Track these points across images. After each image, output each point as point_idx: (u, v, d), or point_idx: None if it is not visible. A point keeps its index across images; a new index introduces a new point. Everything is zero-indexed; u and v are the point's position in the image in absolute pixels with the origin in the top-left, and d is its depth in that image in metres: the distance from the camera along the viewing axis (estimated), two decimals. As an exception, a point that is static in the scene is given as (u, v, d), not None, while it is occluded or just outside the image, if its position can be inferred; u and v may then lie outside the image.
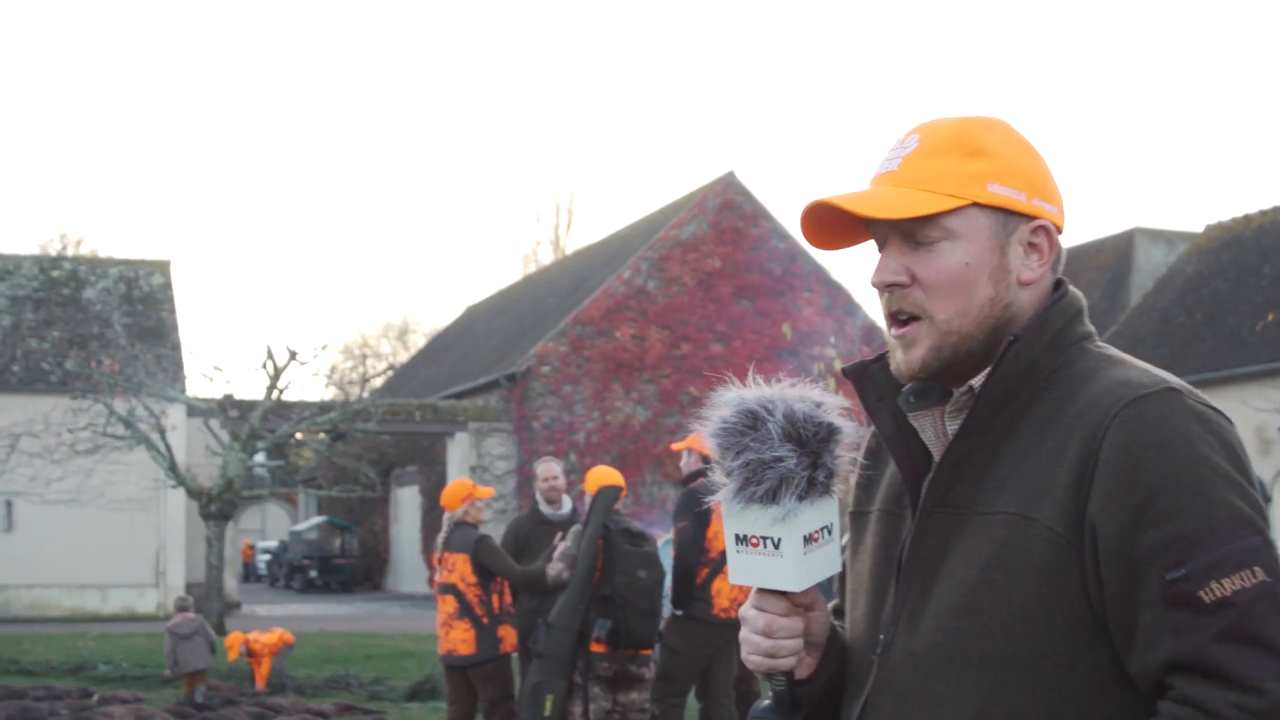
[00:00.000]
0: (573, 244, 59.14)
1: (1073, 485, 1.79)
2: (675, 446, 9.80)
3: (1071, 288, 1.99)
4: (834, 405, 1.93)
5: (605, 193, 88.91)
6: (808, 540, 1.89)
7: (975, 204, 1.92)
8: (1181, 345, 24.44)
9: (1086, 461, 1.78)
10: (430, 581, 9.60)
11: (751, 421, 1.90)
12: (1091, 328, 1.99)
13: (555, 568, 8.35)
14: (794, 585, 1.91)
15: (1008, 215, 1.93)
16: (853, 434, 1.93)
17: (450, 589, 9.25)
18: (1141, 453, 1.75)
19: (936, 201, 1.92)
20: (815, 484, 1.88)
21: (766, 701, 2.01)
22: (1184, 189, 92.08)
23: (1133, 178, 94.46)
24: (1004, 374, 1.88)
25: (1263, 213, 27.00)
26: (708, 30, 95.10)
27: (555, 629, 8.13)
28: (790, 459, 1.87)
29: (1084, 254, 38.19)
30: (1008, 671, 1.80)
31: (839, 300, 33.37)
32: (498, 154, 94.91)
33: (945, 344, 1.93)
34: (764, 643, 1.96)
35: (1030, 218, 1.93)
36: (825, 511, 1.91)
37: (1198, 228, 29.89)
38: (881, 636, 1.96)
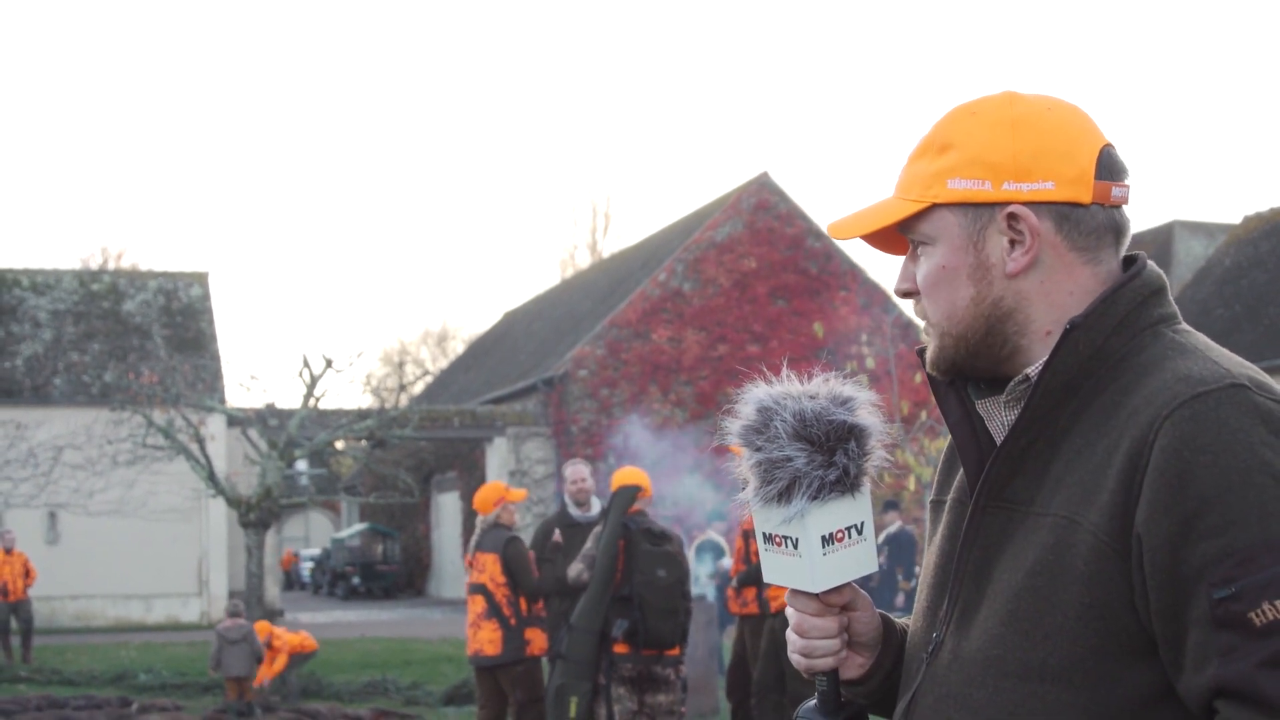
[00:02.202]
0: (609, 247, 59.19)
1: (1121, 490, 1.67)
2: (736, 448, 9.75)
3: (1149, 266, 1.85)
4: (863, 402, 1.89)
5: (641, 196, 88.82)
6: (828, 540, 1.86)
7: (936, 204, 1.85)
8: (1220, 337, 24.14)
9: (1136, 465, 1.66)
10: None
11: (765, 420, 1.87)
12: (1172, 309, 1.84)
13: (575, 569, 8.34)
14: (812, 586, 1.88)
15: (977, 209, 1.83)
16: (878, 432, 1.88)
17: (480, 589, 9.29)
18: (1194, 458, 1.61)
19: (897, 209, 1.88)
20: (828, 484, 1.84)
21: (812, 701, 1.99)
22: (1223, 181, 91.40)
23: (1172, 170, 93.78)
24: (1060, 365, 1.77)
25: (1301, 202, 26.79)
26: (740, 32, 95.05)
27: (577, 630, 8.11)
28: (799, 459, 1.84)
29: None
30: (1046, 684, 1.71)
31: (876, 298, 33.23)
32: (534, 160, 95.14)
33: (945, 345, 1.89)
34: (798, 641, 1.95)
35: (1005, 205, 1.81)
36: (849, 511, 1.87)
37: (1236, 219, 29.67)
38: (934, 635, 1.90)
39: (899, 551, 17.47)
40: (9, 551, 20.97)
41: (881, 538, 18.38)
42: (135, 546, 31.00)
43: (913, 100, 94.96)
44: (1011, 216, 1.82)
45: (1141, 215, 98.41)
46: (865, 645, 2.01)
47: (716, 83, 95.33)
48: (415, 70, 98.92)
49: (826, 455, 1.84)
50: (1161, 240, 37.03)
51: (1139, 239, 37.95)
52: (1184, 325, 1.83)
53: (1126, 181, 1.86)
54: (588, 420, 31.88)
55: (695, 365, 32.39)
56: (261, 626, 15.04)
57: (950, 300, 1.87)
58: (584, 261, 59.45)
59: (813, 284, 33.21)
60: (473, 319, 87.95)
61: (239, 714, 13.08)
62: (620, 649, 8.13)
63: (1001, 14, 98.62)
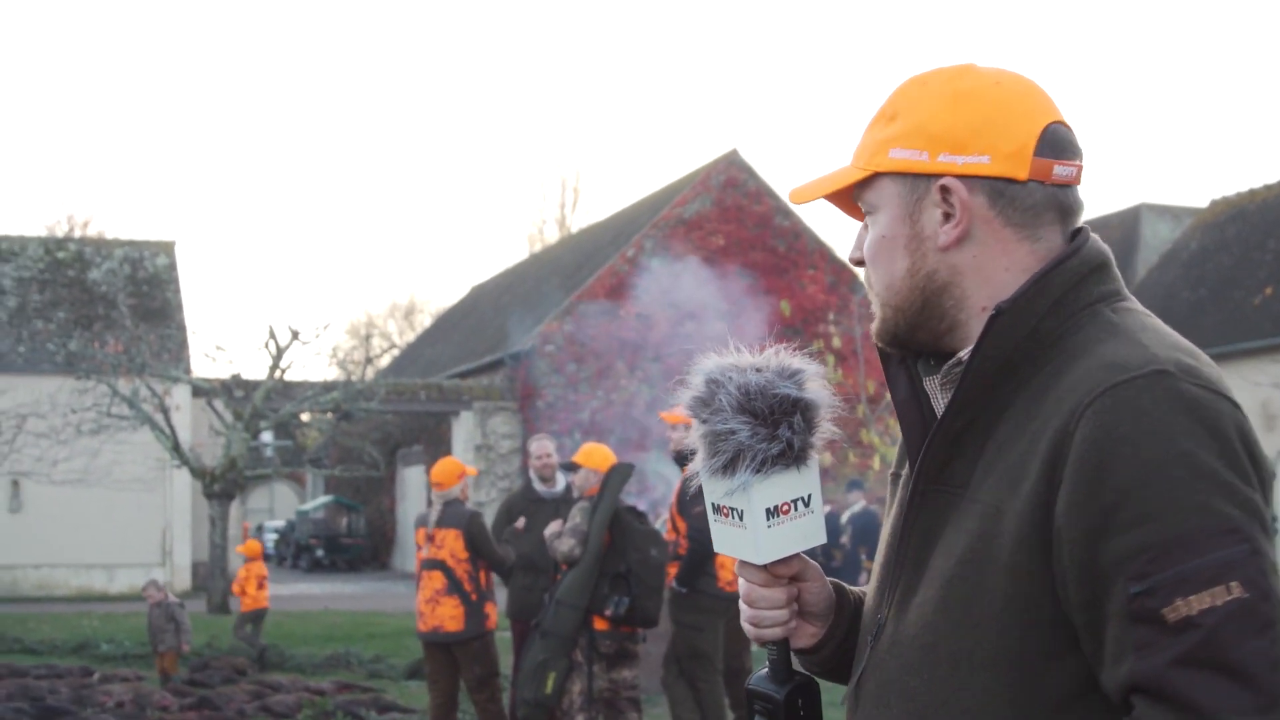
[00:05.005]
0: (578, 223, 59.07)
1: (1043, 480, 1.64)
2: (667, 416, 9.62)
3: (1092, 241, 1.82)
4: (811, 375, 1.87)
5: (611, 171, 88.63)
6: (773, 513, 1.85)
7: (879, 173, 1.85)
8: (1185, 321, 24.34)
9: (1058, 455, 1.63)
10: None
11: (712, 392, 1.86)
12: (1113, 286, 1.81)
13: (567, 544, 8.22)
14: (757, 558, 1.89)
15: (915, 180, 1.82)
16: (823, 405, 1.86)
17: (438, 565, 9.26)
18: (1113, 449, 1.58)
19: (844, 176, 1.89)
20: (771, 458, 1.83)
21: (764, 670, 2.00)
22: (1190, 165, 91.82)
23: (1139, 154, 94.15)
24: (988, 350, 1.74)
25: (1267, 187, 26.84)
26: (711, 8, 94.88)
27: (564, 606, 8.04)
28: (742, 432, 1.82)
29: (1090, 229, 38.31)
30: (976, 673, 1.69)
31: (844, 277, 33.29)
32: (504, 134, 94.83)
33: (886, 317, 1.88)
34: (747, 611, 1.96)
35: (939, 176, 1.80)
36: (795, 484, 1.86)
37: (1203, 203, 29.81)
38: (879, 616, 1.89)
39: (863, 531, 17.50)
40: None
41: (845, 517, 18.42)
42: (99, 516, 30.87)
43: (883, 78, 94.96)
44: (944, 189, 1.80)
45: (1109, 198, 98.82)
46: (816, 615, 2.01)
47: (687, 59, 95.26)
48: (386, 44, 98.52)
49: (770, 429, 1.84)
50: (1128, 223, 37.22)
51: (1106, 222, 38.15)
52: (1126, 303, 1.81)
53: (1077, 161, 1.83)
54: (554, 396, 31.85)
55: (662, 342, 32.39)
56: (250, 547, 15.53)
57: (889, 270, 1.86)
58: (552, 236, 59.34)
59: (780, 262, 33.24)
60: (440, 293, 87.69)
61: (191, 684, 13.09)
62: (601, 625, 8.10)
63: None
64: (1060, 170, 1.81)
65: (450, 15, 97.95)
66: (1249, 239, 25.77)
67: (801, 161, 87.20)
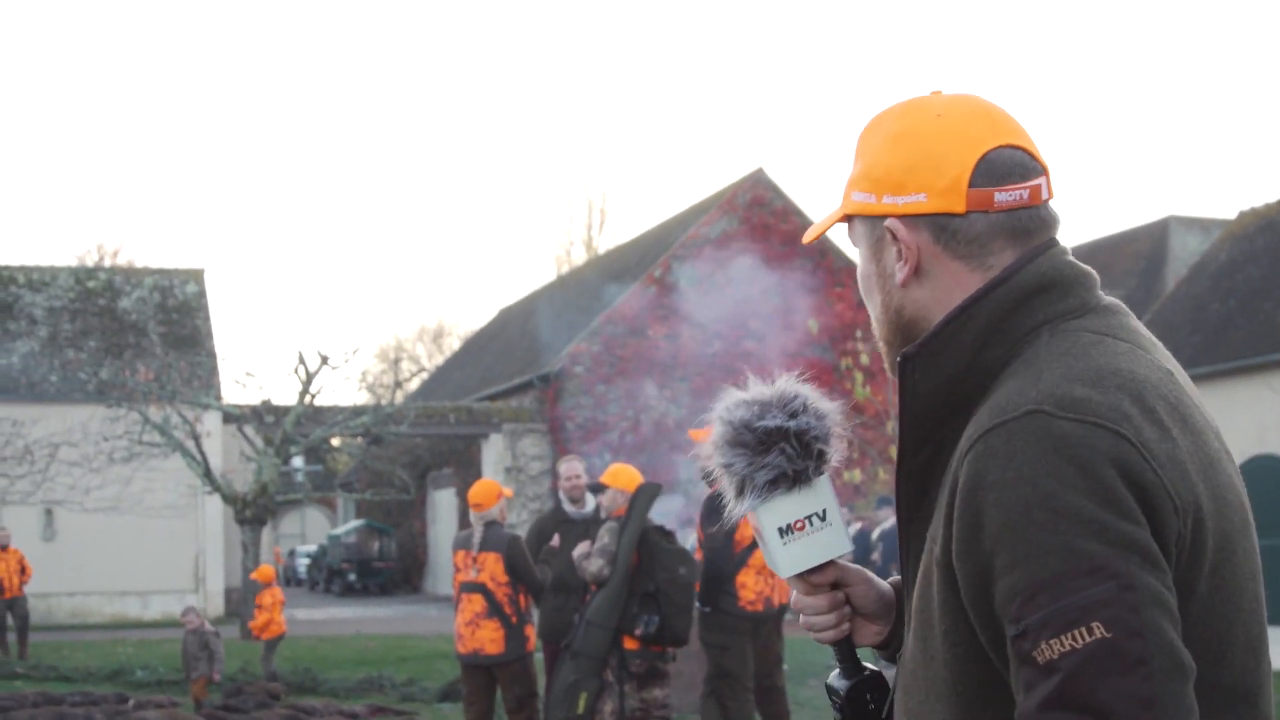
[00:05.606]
0: (605, 244, 59.16)
1: (946, 523, 1.70)
2: (696, 434, 9.68)
3: (1037, 261, 1.79)
4: (808, 400, 1.94)
5: (637, 192, 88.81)
6: (786, 531, 1.94)
7: (847, 215, 1.93)
8: (1214, 333, 24.23)
9: (951, 500, 1.69)
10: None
11: (714, 429, 1.97)
12: (1067, 303, 1.78)
13: (596, 564, 8.25)
14: (780, 572, 1.98)
15: (873, 221, 1.88)
16: (811, 430, 1.92)
17: (479, 588, 9.31)
18: (984, 497, 1.62)
19: (830, 218, 1.97)
20: (766, 484, 1.91)
21: (838, 668, 2.09)
22: (1219, 176, 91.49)
23: (1167, 166, 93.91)
24: (909, 395, 1.81)
25: (1296, 198, 26.75)
26: (735, 28, 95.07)
27: (594, 626, 8.08)
28: (739, 463, 1.92)
29: (1119, 243, 38.29)
30: (939, 702, 1.76)
31: (871, 295, 33.21)
32: (530, 156, 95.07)
33: (883, 350, 1.96)
34: (801, 618, 2.05)
35: (885, 218, 1.86)
36: (805, 502, 1.94)
37: (1232, 214, 29.70)
38: (904, 635, 1.95)
39: (894, 549, 17.44)
40: (4, 549, 20.99)
41: (876, 534, 18.41)
42: (131, 543, 31.03)
43: (909, 96, 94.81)
44: (890, 230, 1.85)
45: (1137, 211, 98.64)
46: (874, 615, 2.07)
47: (712, 78, 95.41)
48: (411, 67, 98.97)
49: (762, 457, 1.91)
50: (1157, 236, 37.12)
51: (1135, 234, 38.06)
52: (1076, 320, 1.78)
53: (1028, 182, 1.83)
54: (583, 417, 31.89)
55: (691, 361, 32.42)
56: (265, 571, 15.54)
57: (873, 306, 1.95)
58: (579, 258, 59.41)
59: (808, 280, 33.23)
60: (469, 315, 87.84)
61: (228, 709, 13.13)
62: (631, 645, 8.12)
63: (996, 10, 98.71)
64: (1002, 197, 1.81)
65: (476, 39, 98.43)
66: (1278, 250, 25.64)
67: (827, 179, 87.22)
